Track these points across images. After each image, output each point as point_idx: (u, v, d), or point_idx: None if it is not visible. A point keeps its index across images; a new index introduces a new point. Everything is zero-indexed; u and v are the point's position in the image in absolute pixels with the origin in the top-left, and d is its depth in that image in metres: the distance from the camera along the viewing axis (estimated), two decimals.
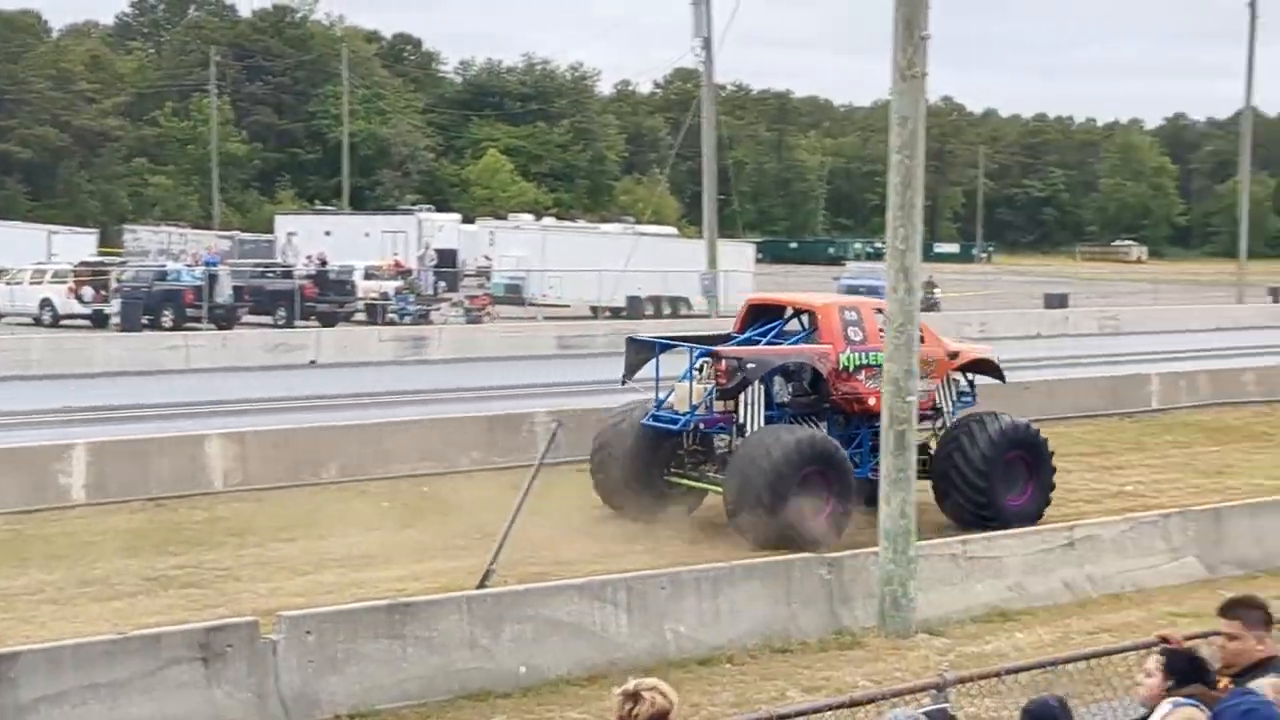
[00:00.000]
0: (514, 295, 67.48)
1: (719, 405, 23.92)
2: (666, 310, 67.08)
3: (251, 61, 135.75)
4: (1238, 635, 8.27)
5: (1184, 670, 8.10)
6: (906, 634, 17.37)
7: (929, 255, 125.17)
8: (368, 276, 64.89)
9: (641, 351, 25.46)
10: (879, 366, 22.01)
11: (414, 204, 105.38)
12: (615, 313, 63.05)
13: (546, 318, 61.49)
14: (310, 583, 19.63)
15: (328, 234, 79.07)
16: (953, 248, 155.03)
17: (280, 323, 57.06)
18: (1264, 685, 7.83)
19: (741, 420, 23.87)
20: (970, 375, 26.06)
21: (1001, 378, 27.05)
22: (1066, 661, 9.76)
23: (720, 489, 23.21)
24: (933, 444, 25.00)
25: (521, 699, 14.83)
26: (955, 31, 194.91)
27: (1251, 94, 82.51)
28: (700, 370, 23.97)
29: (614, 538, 22.68)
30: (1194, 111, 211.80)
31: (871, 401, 23.20)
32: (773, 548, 20.24)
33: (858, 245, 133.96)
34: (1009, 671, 9.26)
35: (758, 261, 79.66)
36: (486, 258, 76.17)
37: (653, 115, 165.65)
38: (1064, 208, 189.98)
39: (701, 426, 23.97)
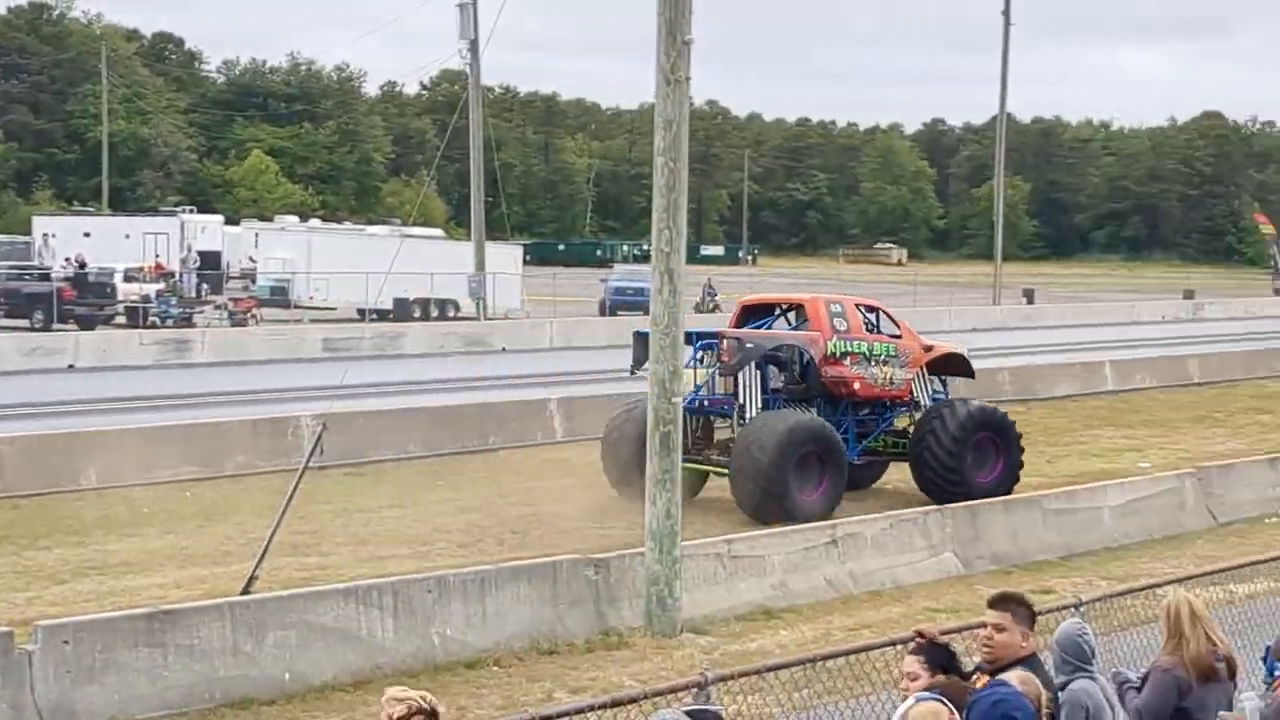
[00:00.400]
0: (279, 298, 66.75)
1: (721, 388, 26.45)
2: (434, 313, 66.88)
3: (7, 60, 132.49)
4: (1006, 627, 8.42)
5: (944, 663, 8.27)
6: (672, 633, 17.50)
7: (695, 257, 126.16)
8: (128, 279, 63.65)
9: (648, 344, 26.45)
10: (862, 353, 26.81)
11: (176, 205, 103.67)
12: (382, 315, 62.67)
13: (313, 320, 60.90)
14: (68, 591, 19.20)
15: (87, 235, 77.57)
16: (718, 250, 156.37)
17: (37, 326, 55.74)
18: (1011, 677, 8.02)
19: (741, 402, 25.93)
20: (943, 377, 28.61)
21: (971, 373, 29.58)
22: (827, 658, 9.91)
23: (723, 471, 25.26)
24: (911, 429, 27.70)
25: (286, 705, 14.67)
26: (719, 36, 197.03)
27: (1006, 100, 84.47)
28: (701, 360, 26.51)
29: (382, 541, 22.54)
30: (951, 117, 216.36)
31: (856, 386, 26.76)
32: (774, 522, 21.27)
33: (625, 247, 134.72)
34: (770, 669, 9.37)
35: (525, 264, 79.74)
36: (251, 260, 75.27)
37: (420, 117, 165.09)
38: (827, 210, 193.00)
39: (705, 404, 26.33)
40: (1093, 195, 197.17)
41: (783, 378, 26.84)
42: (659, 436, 18.19)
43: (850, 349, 26.69)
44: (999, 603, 8.61)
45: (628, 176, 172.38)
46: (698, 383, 26.13)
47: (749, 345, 26.12)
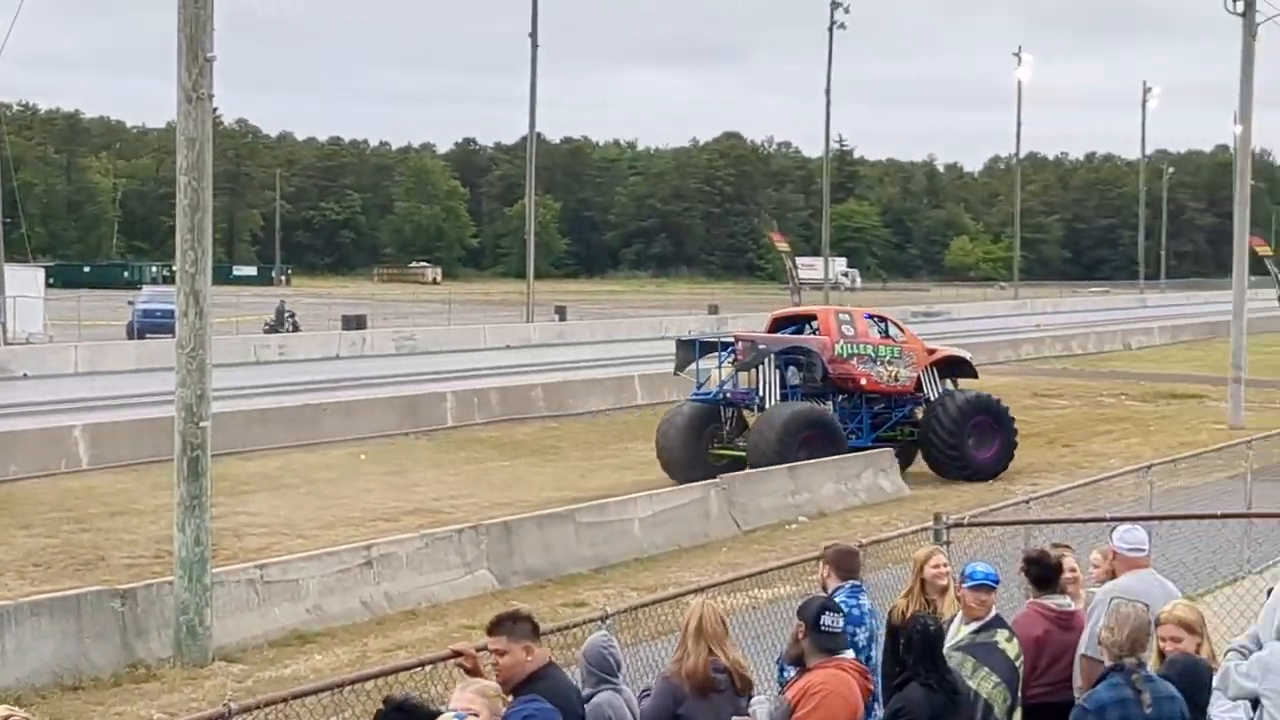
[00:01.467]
0: None
1: (744, 383, 31.81)
2: None
3: None
4: (506, 650, 8.41)
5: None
6: (204, 662, 17.17)
7: (228, 278, 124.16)
8: None
9: (689, 350, 33.13)
10: (868, 355, 32.09)
11: None
12: None
13: None
14: None
15: None
16: (251, 270, 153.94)
17: None
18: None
19: (761, 394, 31.10)
20: (951, 379, 33.66)
21: (974, 374, 34.49)
22: (358, 681, 9.80)
23: (744, 455, 30.32)
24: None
25: None
26: (246, 54, 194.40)
27: (535, 121, 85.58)
28: (733, 363, 32.09)
29: None
30: (482, 137, 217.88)
31: (863, 382, 32.07)
32: None
33: (154, 269, 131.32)
34: (297, 695, 9.23)
35: (49, 286, 77.13)
36: None
37: None
38: (361, 230, 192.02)
39: (729, 396, 31.81)
40: (621, 213, 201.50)
41: (801, 376, 31.57)
42: (186, 461, 17.81)
43: (856, 350, 31.98)
44: (494, 628, 8.54)
45: (155, 196, 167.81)
46: (722, 379, 32.04)
47: (760, 346, 31.60)
